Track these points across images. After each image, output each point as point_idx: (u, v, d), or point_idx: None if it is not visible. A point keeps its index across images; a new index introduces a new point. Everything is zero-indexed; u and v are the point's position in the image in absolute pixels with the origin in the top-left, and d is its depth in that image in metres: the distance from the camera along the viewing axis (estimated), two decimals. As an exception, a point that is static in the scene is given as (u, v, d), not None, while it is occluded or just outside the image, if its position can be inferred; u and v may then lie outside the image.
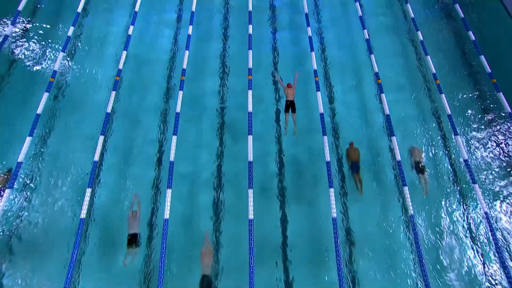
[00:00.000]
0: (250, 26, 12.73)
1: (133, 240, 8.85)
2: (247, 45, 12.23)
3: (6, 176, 9.49)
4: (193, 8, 13.26)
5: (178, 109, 10.54)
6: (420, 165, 10.08)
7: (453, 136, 10.78)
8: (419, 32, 13.04)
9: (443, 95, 11.44)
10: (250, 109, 10.59)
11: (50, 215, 9.23)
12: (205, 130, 10.82)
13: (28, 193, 9.47)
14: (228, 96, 11.49)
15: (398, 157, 10.05)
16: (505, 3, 13.60)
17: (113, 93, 11.00)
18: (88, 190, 9.23)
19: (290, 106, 10.78)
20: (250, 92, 10.93)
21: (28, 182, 9.64)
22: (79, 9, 12.90)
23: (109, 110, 10.63)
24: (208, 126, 10.87)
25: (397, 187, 9.91)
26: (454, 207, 9.74)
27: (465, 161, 10.11)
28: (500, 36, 13.17)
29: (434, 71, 12.02)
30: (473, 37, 13.00)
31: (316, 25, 13.57)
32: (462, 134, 10.95)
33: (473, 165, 10.22)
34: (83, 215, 8.90)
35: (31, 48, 12.22)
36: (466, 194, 9.92)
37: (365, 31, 13.06)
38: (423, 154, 10.48)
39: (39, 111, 10.36)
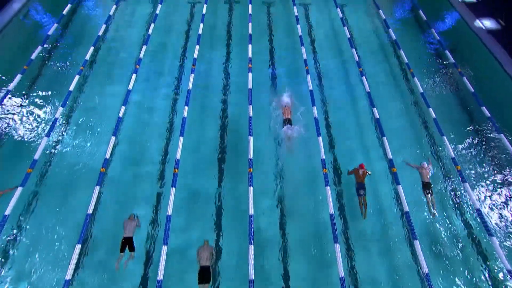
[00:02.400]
0: (250, 107, 11.93)
1: (126, 244, 8.40)
2: (247, 124, 11.41)
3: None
4: (190, 86, 12.53)
5: (169, 211, 9.19)
6: (427, 184, 10.00)
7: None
8: (431, 109, 12.24)
9: (467, 184, 10.28)
10: (251, 206, 9.35)
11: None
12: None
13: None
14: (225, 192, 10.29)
15: (424, 265, 8.59)
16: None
17: (97, 188, 9.69)
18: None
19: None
20: (250, 189, 9.78)
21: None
22: (71, 88, 12.24)
23: (90, 211, 9.23)
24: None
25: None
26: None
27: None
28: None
29: (453, 155, 10.96)
30: (488, 114, 12.18)
31: (320, 101, 12.83)
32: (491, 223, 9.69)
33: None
34: None
35: (17, 131, 11.34)
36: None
37: (374, 109, 12.27)
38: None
39: (7, 212, 8.97)
